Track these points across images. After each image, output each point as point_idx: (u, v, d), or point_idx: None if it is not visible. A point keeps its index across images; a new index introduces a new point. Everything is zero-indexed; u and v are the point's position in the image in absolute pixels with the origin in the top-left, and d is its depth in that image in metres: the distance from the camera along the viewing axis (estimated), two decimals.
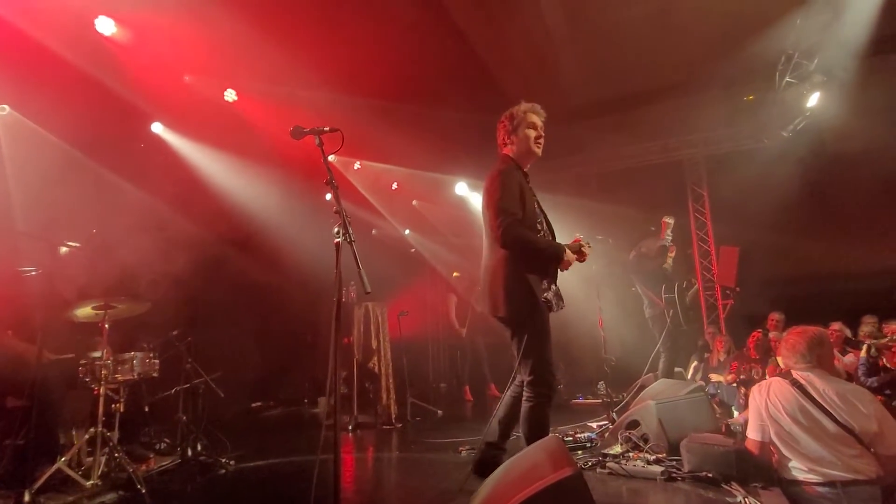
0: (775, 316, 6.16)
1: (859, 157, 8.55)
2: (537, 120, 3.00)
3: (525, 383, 2.77)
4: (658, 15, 6.10)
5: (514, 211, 2.72)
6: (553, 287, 2.86)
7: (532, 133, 2.98)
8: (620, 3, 6.02)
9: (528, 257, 2.75)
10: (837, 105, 6.84)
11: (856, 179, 8.48)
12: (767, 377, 4.65)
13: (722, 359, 5.95)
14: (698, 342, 7.08)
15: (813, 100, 6.66)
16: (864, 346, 4.60)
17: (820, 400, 2.58)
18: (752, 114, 7.74)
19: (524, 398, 2.77)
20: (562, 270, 2.90)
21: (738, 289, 7.94)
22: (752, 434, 2.80)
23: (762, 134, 7.87)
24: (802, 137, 7.57)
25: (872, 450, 2.50)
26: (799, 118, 7.17)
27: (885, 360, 4.43)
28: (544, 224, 2.98)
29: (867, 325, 5.50)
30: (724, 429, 3.97)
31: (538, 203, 3.00)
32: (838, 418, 2.52)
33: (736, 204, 8.50)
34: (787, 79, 6.55)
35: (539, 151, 3.02)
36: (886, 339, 4.57)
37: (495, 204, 2.74)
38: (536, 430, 2.71)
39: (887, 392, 4.28)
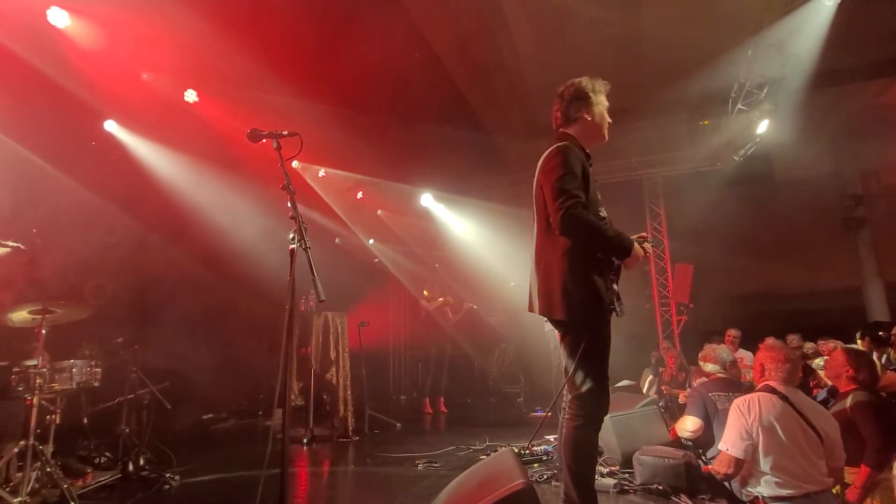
0: (732, 332, 6.34)
1: (800, 183, 9.09)
2: (606, 101, 2.64)
3: (573, 398, 2.33)
4: (622, 39, 6.34)
5: (577, 193, 2.26)
6: (614, 287, 2.38)
7: (606, 114, 2.63)
8: (587, 25, 6.21)
9: (593, 247, 2.31)
10: (783, 133, 7.25)
11: (797, 204, 8.98)
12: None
13: (675, 373, 6.11)
14: (653, 357, 7.27)
15: (762, 127, 7.03)
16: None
17: (807, 413, 2.65)
18: (707, 138, 8.10)
19: (569, 417, 2.33)
20: (626, 268, 2.43)
21: (691, 305, 8.21)
22: (734, 450, 2.66)
23: (716, 157, 8.24)
24: (753, 162, 7.98)
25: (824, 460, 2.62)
26: (749, 144, 7.54)
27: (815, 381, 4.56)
28: (607, 215, 2.52)
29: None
30: (675, 441, 4.05)
31: (598, 194, 2.55)
32: (819, 430, 2.60)
33: (691, 223, 8.86)
34: (739, 106, 6.91)
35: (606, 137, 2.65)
36: (822, 359, 4.79)
37: (554, 184, 2.28)
38: (582, 458, 2.28)
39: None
